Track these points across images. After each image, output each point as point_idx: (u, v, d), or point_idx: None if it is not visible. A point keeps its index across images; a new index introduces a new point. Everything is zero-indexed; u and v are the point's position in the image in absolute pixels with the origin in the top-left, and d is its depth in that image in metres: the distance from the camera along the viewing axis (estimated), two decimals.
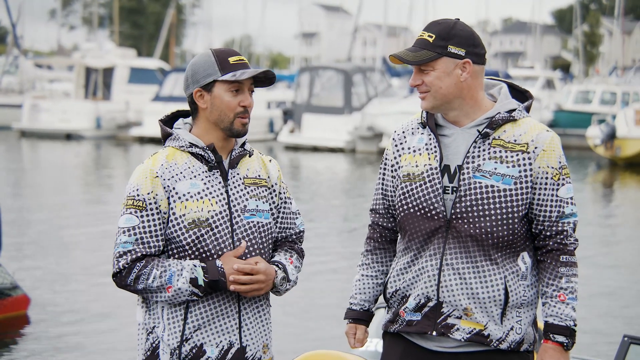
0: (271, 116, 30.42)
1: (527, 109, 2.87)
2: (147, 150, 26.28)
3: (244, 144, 2.85)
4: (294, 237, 2.92)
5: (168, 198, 2.71)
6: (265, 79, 2.80)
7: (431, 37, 2.78)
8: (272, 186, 2.87)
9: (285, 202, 2.90)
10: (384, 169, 2.95)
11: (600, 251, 11.07)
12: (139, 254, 2.70)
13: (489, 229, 2.74)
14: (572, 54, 69.49)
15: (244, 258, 2.75)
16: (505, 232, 2.75)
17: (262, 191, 2.83)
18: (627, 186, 19.71)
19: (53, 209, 13.88)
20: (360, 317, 2.98)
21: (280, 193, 2.89)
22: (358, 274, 3.01)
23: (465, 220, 2.74)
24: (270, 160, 2.91)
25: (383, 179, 2.95)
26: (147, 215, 2.71)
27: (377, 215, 2.98)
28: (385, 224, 2.96)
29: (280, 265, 2.81)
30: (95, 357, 6.51)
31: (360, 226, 12.55)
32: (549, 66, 64.55)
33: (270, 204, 2.84)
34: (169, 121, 2.89)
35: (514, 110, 2.82)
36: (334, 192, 17.29)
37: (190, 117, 2.88)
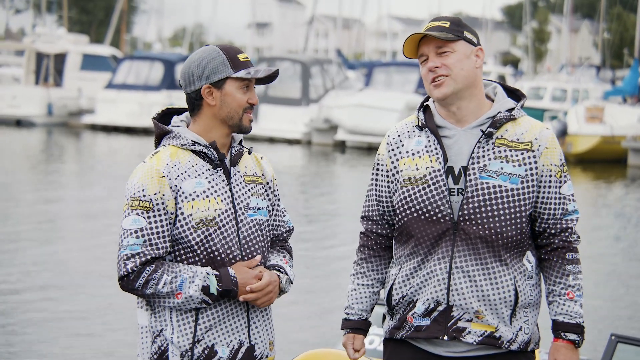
0: None
1: (522, 107, 2.89)
2: (99, 138, 25.91)
3: (240, 141, 2.83)
4: (285, 235, 2.92)
5: (175, 198, 2.67)
6: (267, 77, 2.78)
7: (445, 23, 2.79)
8: (268, 183, 2.87)
9: (279, 200, 2.91)
10: (377, 174, 2.90)
11: None
12: (148, 257, 2.64)
13: (498, 230, 2.73)
14: (521, 50, 70.44)
15: (246, 258, 2.74)
16: (514, 232, 2.75)
17: (260, 188, 2.82)
18: (577, 182, 20.09)
19: None
20: (359, 327, 2.94)
21: (274, 191, 2.89)
22: (353, 284, 2.96)
23: (474, 222, 2.73)
24: (262, 158, 2.91)
25: (376, 185, 2.91)
26: (155, 216, 2.65)
27: (371, 222, 2.93)
28: (379, 231, 2.92)
29: (281, 269, 2.80)
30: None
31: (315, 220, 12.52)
32: (499, 62, 65.30)
33: (267, 202, 2.84)
34: (160, 119, 2.83)
35: (513, 109, 2.82)
36: (291, 184, 17.28)
37: (185, 114, 2.83)
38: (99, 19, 62.00)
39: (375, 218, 2.92)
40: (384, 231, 2.91)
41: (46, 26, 39.34)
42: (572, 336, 2.77)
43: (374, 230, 2.92)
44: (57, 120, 29.04)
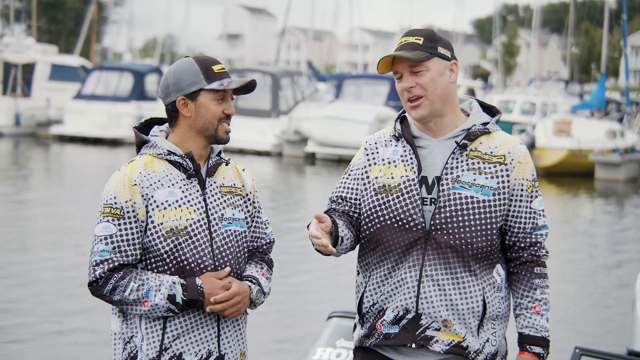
0: None
1: (496, 123, 2.93)
2: (68, 149, 25.68)
3: (219, 152, 2.86)
4: (265, 247, 2.94)
5: (146, 206, 2.71)
6: (244, 87, 2.81)
7: (419, 39, 2.81)
8: (247, 195, 2.89)
9: (259, 212, 2.93)
10: (347, 176, 2.91)
11: None
12: (116, 263, 2.68)
13: (468, 240, 2.77)
14: (491, 64, 71.14)
15: (219, 269, 2.76)
16: (484, 243, 2.79)
17: (238, 200, 2.84)
18: (545, 195, 20.29)
19: None
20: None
21: (254, 202, 2.91)
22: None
23: (445, 232, 2.76)
24: (244, 169, 2.93)
25: (343, 185, 2.90)
26: (125, 223, 2.70)
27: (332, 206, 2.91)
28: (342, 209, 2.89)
29: (253, 280, 2.82)
30: None
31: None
32: (469, 75, 65.91)
33: (245, 213, 2.86)
34: (142, 128, 2.89)
35: (487, 123, 2.87)
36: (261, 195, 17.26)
37: (166, 125, 2.88)
38: (68, 29, 61.61)
39: (338, 208, 2.88)
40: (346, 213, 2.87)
41: (14, 36, 38.96)
42: (537, 349, 2.81)
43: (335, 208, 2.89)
44: (25, 131, 28.76)
